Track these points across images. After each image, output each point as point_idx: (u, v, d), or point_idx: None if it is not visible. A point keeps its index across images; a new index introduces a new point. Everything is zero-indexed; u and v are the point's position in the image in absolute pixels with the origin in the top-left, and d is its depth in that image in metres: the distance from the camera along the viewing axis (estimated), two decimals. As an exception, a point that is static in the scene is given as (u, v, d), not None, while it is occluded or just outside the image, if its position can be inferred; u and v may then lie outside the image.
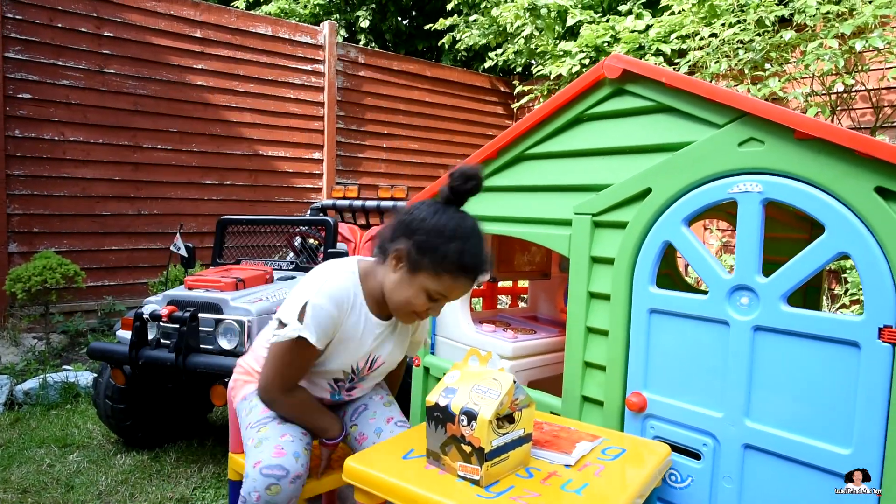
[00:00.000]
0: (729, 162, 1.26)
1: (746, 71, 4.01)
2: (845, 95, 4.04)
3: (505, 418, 1.11)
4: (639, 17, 4.88)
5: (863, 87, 3.96)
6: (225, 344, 2.10)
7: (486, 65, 6.32)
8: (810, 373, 1.15)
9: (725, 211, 1.94)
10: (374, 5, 7.46)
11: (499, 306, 2.66)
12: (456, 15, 6.46)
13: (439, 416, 1.13)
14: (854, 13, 3.52)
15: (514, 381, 1.13)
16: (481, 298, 2.72)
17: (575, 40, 5.11)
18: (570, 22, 5.13)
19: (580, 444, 1.25)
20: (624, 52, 4.54)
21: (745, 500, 1.24)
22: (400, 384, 1.71)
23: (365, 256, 1.41)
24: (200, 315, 2.13)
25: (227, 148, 4.92)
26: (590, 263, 1.51)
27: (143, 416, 2.45)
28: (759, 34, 3.93)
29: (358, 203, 3.39)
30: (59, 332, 3.94)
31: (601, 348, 1.48)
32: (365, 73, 5.75)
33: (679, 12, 4.46)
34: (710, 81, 3.66)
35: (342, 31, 7.59)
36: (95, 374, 2.50)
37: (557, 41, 5.44)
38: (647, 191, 1.39)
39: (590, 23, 5.08)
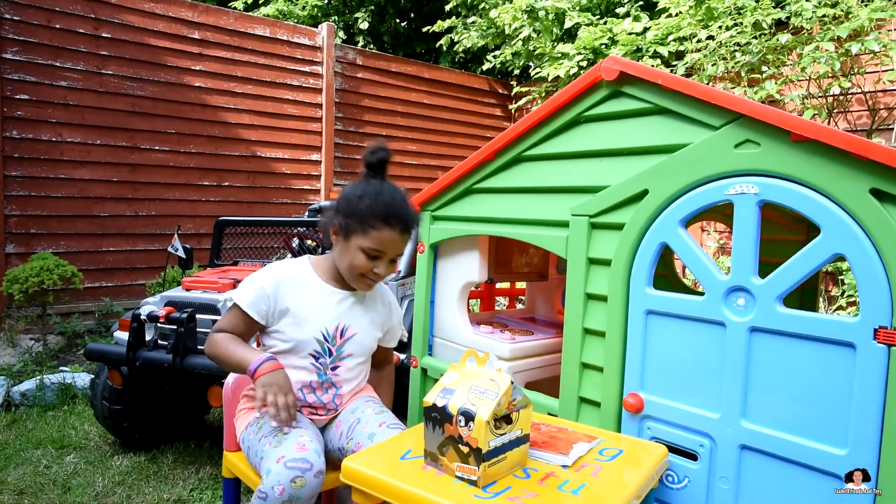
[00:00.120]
0: (725, 164, 1.26)
1: (743, 73, 4.03)
2: (841, 98, 4.06)
3: (502, 419, 1.11)
4: (636, 19, 4.90)
5: (859, 90, 3.98)
6: (222, 345, 2.09)
7: (484, 67, 6.33)
8: (806, 374, 1.16)
9: (722, 212, 1.95)
10: (372, 7, 7.47)
11: (496, 307, 2.66)
12: (454, 17, 6.47)
13: (437, 417, 1.13)
14: (850, 16, 3.54)
15: (512, 382, 1.13)
16: (479, 300, 2.72)
17: (573, 42, 5.13)
18: (567, 24, 5.14)
19: (577, 445, 1.25)
20: (621, 55, 4.55)
21: (741, 501, 1.25)
22: (393, 389, 1.72)
23: None
24: (198, 316, 2.13)
25: (225, 149, 4.92)
26: (587, 265, 1.51)
27: (141, 417, 2.45)
28: (755, 37, 3.94)
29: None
30: (57, 333, 3.93)
31: (598, 349, 1.48)
32: (363, 74, 5.76)
33: (676, 15, 4.48)
34: (707, 84, 3.67)
35: (340, 33, 7.60)
36: (92, 376, 2.50)
37: (555, 43, 5.45)
38: (644, 192, 1.39)
39: (587, 25, 5.10)
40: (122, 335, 2.25)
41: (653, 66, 3.99)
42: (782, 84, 3.86)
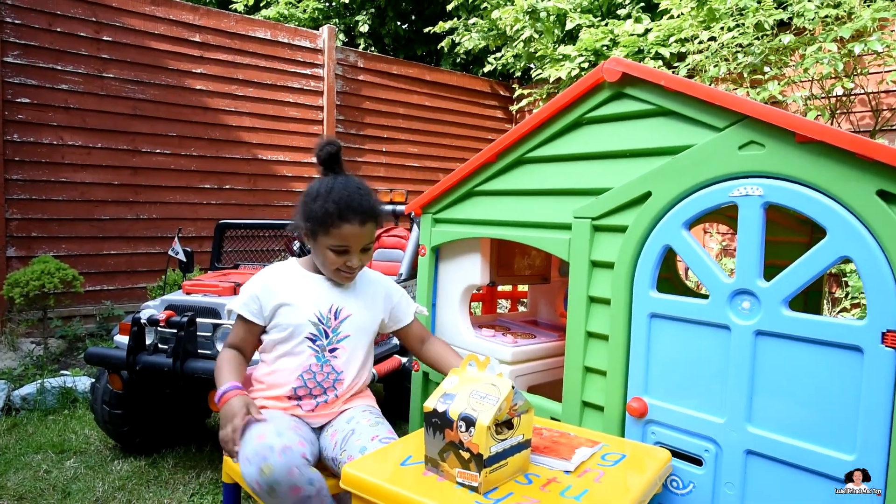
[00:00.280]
0: (729, 165, 1.25)
1: (745, 74, 4.02)
2: (844, 99, 4.04)
3: (504, 424, 1.10)
4: (638, 20, 4.90)
5: (862, 91, 3.96)
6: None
7: (486, 69, 6.33)
8: (813, 377, 1.14)
9: (725, 214, 1.93)
10: (373, 10, 7.48)
11: (498, 311, 2.65)
12: (455, 18, 6.47)
13: (437, 422, 1.12)
14: (853, 17, 3.53)
15: (513, 387, 1.12)
16: (481, 303, 2.71)
17: (574, 44, 5.12)
18: (569, 26, 5.14)
19: (580, 450, 1.23)
20: (623, 56, 4.54)
21: (747, 507, 1.23)
22: (449, 348, 1.65)
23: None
24: (198, 320, 2.12)
25: (226, 152, 4.92)
26: (590, 267, 1.50)
27: (141, 421, 2.44)
28: (758, 38, 3.93)
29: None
30: (57, 336, 3.93)
31: (601, 353, 1.47)
32: (364, 77, 5.75)
33: (678, 16, 4.47)
34: (710, 85, 3.66)
35: (341, 36, 7.60)
36: (93, 380, 2.49)
37: (557, 45, 5.44)
38: (647, 194, 1.38)
39: (589, 26, 5.09)
40: (123, 339, 2.25)
41: (654, 67, 3.97)
42: (785, 85, 3.85)
